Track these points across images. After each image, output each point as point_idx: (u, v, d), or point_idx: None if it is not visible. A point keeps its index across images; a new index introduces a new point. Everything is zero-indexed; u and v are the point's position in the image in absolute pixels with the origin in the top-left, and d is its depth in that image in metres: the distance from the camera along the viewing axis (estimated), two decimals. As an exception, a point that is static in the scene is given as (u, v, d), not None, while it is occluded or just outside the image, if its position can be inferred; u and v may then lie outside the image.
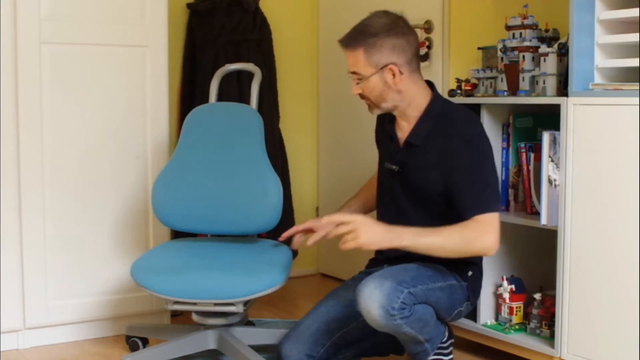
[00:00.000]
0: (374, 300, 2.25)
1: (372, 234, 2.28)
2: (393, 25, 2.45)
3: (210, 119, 2.97)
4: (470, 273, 2.54)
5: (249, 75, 3.38)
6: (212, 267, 2.62)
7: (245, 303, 2.61)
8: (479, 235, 2.32)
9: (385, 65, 2.43)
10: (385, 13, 2.48)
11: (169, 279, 2.58)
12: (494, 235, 2.34)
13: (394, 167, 2.54)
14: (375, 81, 2.45)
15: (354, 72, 2.47)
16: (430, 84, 2.56)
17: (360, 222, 2.27)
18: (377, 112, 2.54)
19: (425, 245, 2.31)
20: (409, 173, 2.51)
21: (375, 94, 2.47)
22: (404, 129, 2.54)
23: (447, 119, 2.47)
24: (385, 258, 2.60)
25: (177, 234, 3.37)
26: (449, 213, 2.41)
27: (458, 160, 2.39)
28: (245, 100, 3.51)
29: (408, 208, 2.51)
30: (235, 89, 3.62)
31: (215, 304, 2.58)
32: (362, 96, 2.51)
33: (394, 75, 2.44)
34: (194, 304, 2.59)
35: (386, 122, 2.62)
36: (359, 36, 2.44)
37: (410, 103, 2.49)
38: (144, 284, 2.60)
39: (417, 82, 2.50)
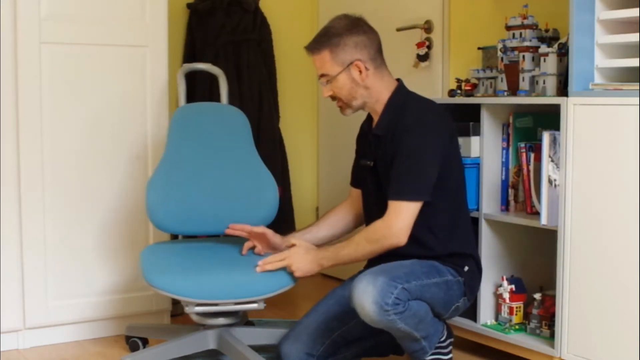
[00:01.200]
0: (368, 296, 2.27)
1: (302, 264, 2.51)
2: (354, 24, 2.57)
3: (197, 118, 2.95)
4: (466, 268, 2.54)
5: (249, 75, 3.39)
6: (230, 267, 2.60)
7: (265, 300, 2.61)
8: (383, 233, 2.44)
9: (351, 63, 2.53)
10: (346, 15, 2.61)
11: (190, 281, 2.52)
12: (399, 226, 2.43)
13: (368, 162, 2.61)
14: (344, 79, 2.54)
15: (322, 75, 2.57)
16: (399, 81, 2.64)
17: (292, 256, 2.52)
18: (349, 112, 2.63)
19: (344, 259, 2.50)
20: (379, 164, 2.57)
21: (344, 92, 2.56)
22: (374, 125, 2.63)
23: (404, 108, 2.54)
24: (380, 257, 2.60)
25: (176, 234, 3.38)
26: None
27: (398, 145, 2.48)
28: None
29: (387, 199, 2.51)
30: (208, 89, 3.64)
31: (236, 303, 2.56)
32: (333, 98, 2.60)
33: (360, 71, 2.54)
34: (216, 304, 2.53)
35: (365, 125, 2.70)
36: (323, 39, 2.56)
37: (377, 99, 2.58)
38: (161, 286, 2.51)
39: (383, 78, 2.59)
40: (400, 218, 2.43)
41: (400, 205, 2.43)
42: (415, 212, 2.44)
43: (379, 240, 2.45)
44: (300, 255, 2.52)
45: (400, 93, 2.60)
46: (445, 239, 2.52)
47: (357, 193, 2.78)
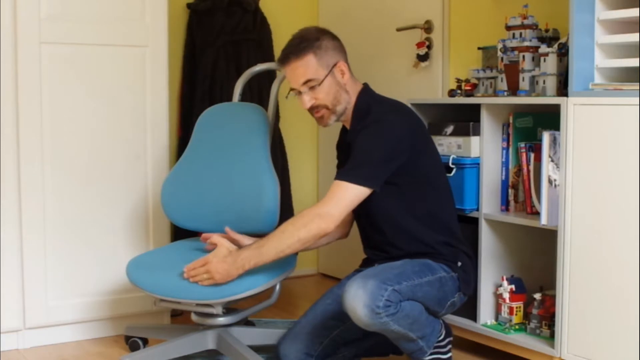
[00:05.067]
0: (359, 300, 2.26)
1: (222, 269, 2.44)
2: (324, 31, 2.58)
3: (220, 119, 2.97)
4: (460, 263, 2.54)
5: (257, 75, 3.39)
6: None
7: (227, 305, 2.61)
8: (313, 215, 2.37)
9: (335, 65, 2.53)
10: (308, 27, 2.60)
11: (153, 277, 2.63)
12: (331, 208, 2.37)
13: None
14: (330, 83, 2.52)
15: (306, 82, 2.50)
16: (364, 85, 2.63)
17: (211, 262, 2.45)
18: (332, 120, 2.58)
19: (270, 254, 2.41)
20: None
21: (330, 97, 2.53)
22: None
23: (368, 110, 2.53)
24: (376, 257, 2.61)
25: (177, 233, 3.38)
26: (405, 188, 2.49)
27: (360, 132, 2.47)
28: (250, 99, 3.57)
29: (370, 201, 2.47)
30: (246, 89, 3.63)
31: (197, 304, 2.59)
32: (314, 107, 2.54)
33: (342, 73, 2.54)
34: (178, 302, 2.61)
35: (342, 133, 2.71)
36: (303, 44, 2.51)
37: (351, 102, 2.57)
38: (132, 279, 2.69)
39: (355, 82, 2.60)
40: (335, 199, 2.38)
41: (340, 185, 2.39)
42: (354, 199, 2.39)
43: (307, 225, 2.37)
44: (218, 261, 2.45)
45: (365, 97, 2.59)
46: (431, 226, 2.51)
47: None
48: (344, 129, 2.71)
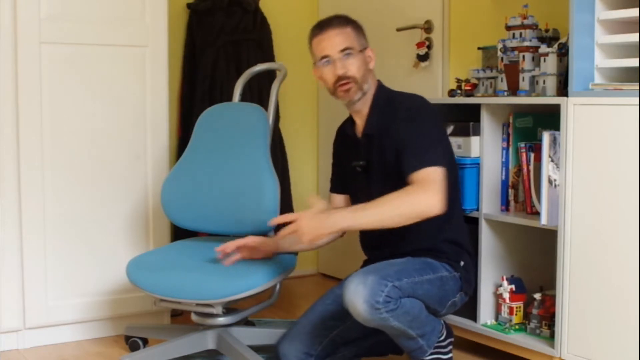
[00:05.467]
0: (359, 295, 2.25)
1: (313, 225, 2.31)
2: (353, 19, 2.58)
3: (220, 119, 2.97)
4: (462, 263, 2.54)
5: (257, 75, 3.39)
6: (196, 267, 2.64)
7: (227, 305, 2.61)
8: (420, 197, 2.31)
9: (365, 47, 2.55)
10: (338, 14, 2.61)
11: (153, 277, 2.63)
12: (435, 192, 2.32)
13: (360, 162, 2.58)
14: (362, 59, 2.53)
15: (345, 48, 2.48)
16: (378, 81, 2.64)
17: (302, 217, 2.33)
18: (358, 95, 2.52)
19: (366, 219, 2.32)
20: (374, 162, 2.55)
21: (361, 72, 2.52)
22: (360, 127, 2.60)
23: (393, 102, 2.54)
24: (376, 258, 2.60)
25: (177, 233, 3.38)
26: None
27: (400, 131, 2.45)
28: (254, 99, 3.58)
29: (385, 194, 2.44)
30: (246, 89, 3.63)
31: (197, 304, 2.59)
32: (343, 78, 2.49)
33: (370, 59, 2.56)
34: (178, 302, 2.62)
35: (348, 129, 2.66)
36: (341, 19, 2.54)
37: (367, 93, 2.55)
38: (132, 279, 2.68)
39: (374, 76, 2.61)
40: (433, 185, 2.32)
41: (427, 172, 2.35)
42: (443, 179, 2.35)
43: (414, 203, 2.30)
44: (311, 216, 2.31)
45: (384, 88, 2.61)
46: (437, 224, 2.46)
47: (340, 199, 2.77)
48: (351, 122, 2.65)
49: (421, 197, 2.30)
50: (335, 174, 2.78)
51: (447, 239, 2.53)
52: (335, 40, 2.50)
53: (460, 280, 2.52)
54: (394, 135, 2.47)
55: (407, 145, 2.42)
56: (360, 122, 2.60)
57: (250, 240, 2.65)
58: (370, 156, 2.56)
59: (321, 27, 2.54)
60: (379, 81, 2.62)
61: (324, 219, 2.31)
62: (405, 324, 2.34)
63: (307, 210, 2.35)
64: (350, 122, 2.66)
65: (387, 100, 2.55)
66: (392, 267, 2.37)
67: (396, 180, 2.47)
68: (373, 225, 2.34)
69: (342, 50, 2.49)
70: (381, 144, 2.52)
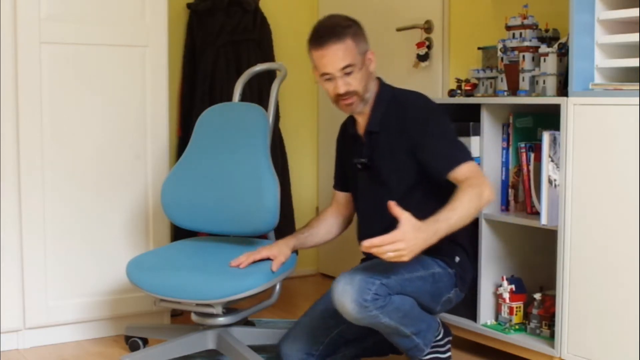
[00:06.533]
0: (347, 295, 2.26)
1: (416, 247, 2.20)
2: (353, 19, 2.53)
3: (220, 119, 2.97)
4: (457, 259, 2.53)
5: (257, 75, 3.39)
6: (196, 267, 2.64)
7: (227, 305, 2.61)
8: (480, 189, 2.34)
9: (366, 51, 2.50)
10: (335, 14, 2.55)
11: (153, 277, 2.63)
12: (488, 182, 2.40)
13: (362, 160, 2.58)
14: (364, 71, 2.49)
15: (345, 67, 2.43)
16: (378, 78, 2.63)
17: (404, 240, 2.18)
18: (360, 107, 2.52)
19: (455, 222, 2.28)
20: (377, 159, 2.54)
21: (363, 83, 2.49)
22: (362, 125, 2.60)
23: (397, 100, 2.54)
24: (374, 256, 2.61)
25: (177, 233, 3.38)
26: (425, 182, 2.48)
27: (418, 129, 2.45)
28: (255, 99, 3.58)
29: (391, 194, 2.45)
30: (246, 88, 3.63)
31: (197, 304, 2.59)
32: (346, 94, 2.47)
33: (371, 62, 2.52)
34: (178, 302, 2.62)
35: (349, 127, 2.66)
36: (339, 28, 2.45)
37: (373, 91, 2.55)
38: (132, 279, 2.67)
39: (374, 74, 2.58)
40: (479, 176, 2.39)
41: (468, 166, 2.40)
42: (480, 169, 2.45)
43: (481, 196, 2.33)
44: (410, 240, 2.18)
45: (386, 86, 2.60)
46: None
47: (342, 196, 2.77)
48: (352, 120, 2.64)
49: (483, 189, 2.35)
50: (337, 171, 2.79)
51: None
52: (336, 57, 2.43)
53: (455, 276, 2.51)
54: (408, 134, 2.46)
55: (434, 145, 2.44)
56: (362, 121, 2.59)
57: (265, 254, 2.63)
58: (372, 154, 2.56)
59: (321, 40, 2.45)
60: (379, 79, 2.60)
61: (423, 238, 2.21)
62: (396, 320, 2.33)
63: (405, 228, 2.19)
64: (351, 119, 2.65)
65: (390, 98, 2.54)
66: (380, 265, 2.36)
67: (403, 179, 2.48)
68: (460, 225, 2.32)
69: (344, 68, 2.44)
70: (389, 141, 2.51)
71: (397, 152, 2.50)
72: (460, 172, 2.38)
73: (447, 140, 2.46)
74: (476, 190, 2.33)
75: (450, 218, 2.26)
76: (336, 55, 2.43)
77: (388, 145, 2.51)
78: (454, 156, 2.41)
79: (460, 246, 2.55)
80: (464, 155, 2.43)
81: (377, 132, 2.53)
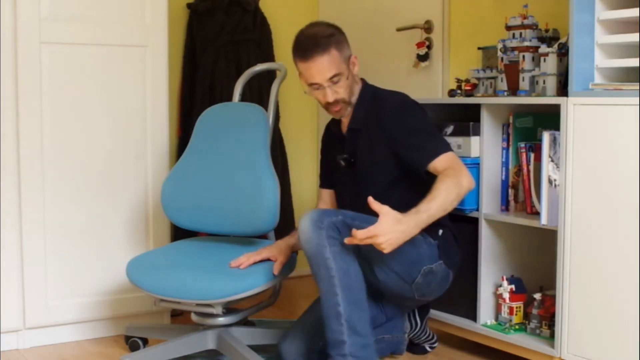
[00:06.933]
0: (308, 218, 2.34)
1: (394, 240, 2.26)
2: (333, 25, 2.61)
3: (220, 119, 2.98)
4: (441, 232, 2.58)
5: (257, 75, 3.39)
6: (196, 267, 2.65)
7: (227, 305, 2.60)
8: (458, 178, 2.41)
9: (349, 56, 2.58)
10: (315, 22, 2.65)
11: (153, 277, 2.64)
12: (467, 171, 2.46)
13: (345, 156, 2.63)
14: (350, 79, 2.58)
15: (333, 77, 2.51)
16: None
17: (381, 235, 2.24)
18: (347, 111, 2.62)
19: (435, 212, 2.35)
20: (359, 155, 2.61)
21: (349, 90, 2.58)
22: (345, 123, 2.67)
23: (377, 98, 2.61)
24: None
25: (177, 233, 3.38)
26: (406, 175, 2.55)
27: (395, 123, 2.52)
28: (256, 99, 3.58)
29: (373, 189, 2.49)
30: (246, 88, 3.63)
31: (197, 304, 2.59)
32: (334, 102, 2.56)
33: (354, 65, 2.59)
34: (178, 302, 2.62)
35: (333, 126, 2.75)
36: (323, 39, 2.52)
37: (355, 95, 2.63)
38: (132, 279, 2.68)
39: (357, 77, 2.66)
40: (459, 165, 2.45)
41: (446, 157, 2.47)
42: (459, 159, 2.49)
43: (460, 184, 2.40)
44: (388, 233, 2.24)
45: (368, 86, 2.67)
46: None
47: (328, 194, 2.84)
48: (336, 120, 2.72)
49: (461, 178, 2.42)
50: (323, 170, 2.83)
51: None
52: (322, 68, 2.51)
53: (438, 248, 2.53)
54: (386, 129, 2.53)
55: (412, 138, 2.50)
56: (345, 119, 2.66)
57: (266, 254, 2.64)
58: (355, 150, 2.62)
59: (306, 53, 2.51)
60: (362, 80, 2.67)
61: (401, 231, 2.27)
62: (337, 279, 2.32)
63: (383, 222, 2.25)
64: (335, 119, 2.72)
65: (371, 96, 2.62)
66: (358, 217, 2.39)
67: (384, 173, 2.53)
68: (441, 214, 2.39)
69: (331, 78, 2.52)
70: (369, 137, 2.57)
71: (377, 147, 2.56)
72: (439, 163, 2.45)
73: (425, 132, 2.53)
74: (454, 180, 2.39)
75: (430, 208, 2.33)
76: (322, 66, 2.50)
77: (369, 141, 2.58)
78: (432, 148, 2.48)
79: (441, 225, 2.58)
80: (443, 147, 2.49)
81: (358, 129, 2.60)
